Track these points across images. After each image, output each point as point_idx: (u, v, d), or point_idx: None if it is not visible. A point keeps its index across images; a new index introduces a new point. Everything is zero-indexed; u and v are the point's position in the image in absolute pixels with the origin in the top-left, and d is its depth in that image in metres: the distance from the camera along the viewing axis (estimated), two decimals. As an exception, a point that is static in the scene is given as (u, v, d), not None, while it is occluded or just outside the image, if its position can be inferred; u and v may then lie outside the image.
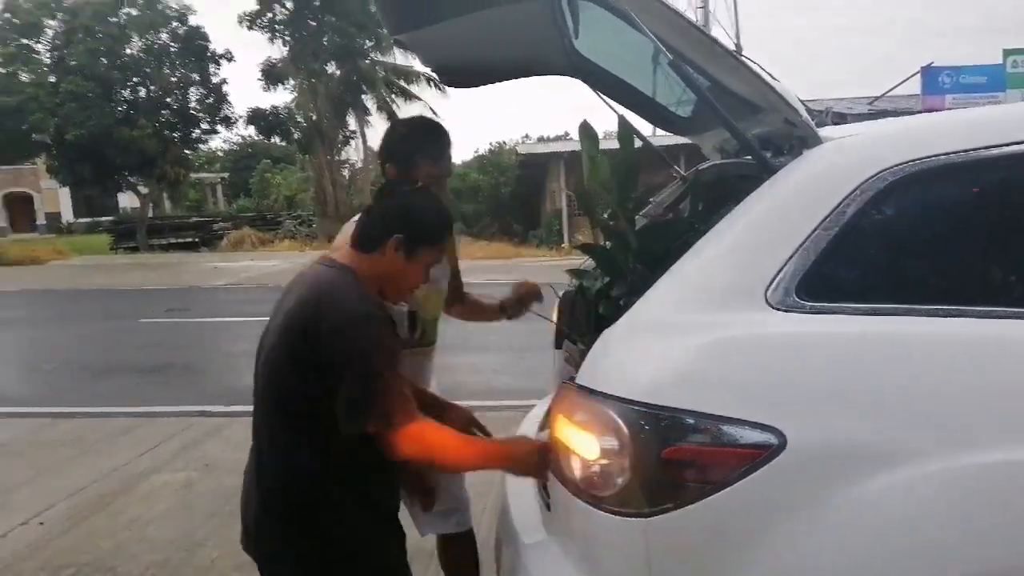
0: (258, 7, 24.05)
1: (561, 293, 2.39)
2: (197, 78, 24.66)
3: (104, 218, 33.30)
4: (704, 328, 1.37)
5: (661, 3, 1.53)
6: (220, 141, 46.14)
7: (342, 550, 1.62)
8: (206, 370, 7.30)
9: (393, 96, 26.75)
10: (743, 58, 1.58)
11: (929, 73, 14.62)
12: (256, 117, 24.94)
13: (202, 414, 5.26)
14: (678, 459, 1.28)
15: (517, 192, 25.86)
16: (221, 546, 3.21)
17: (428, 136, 2.07)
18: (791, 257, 1.37)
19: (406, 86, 26.66)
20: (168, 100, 24.62)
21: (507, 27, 2.30)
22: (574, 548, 1.45)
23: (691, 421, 1.28)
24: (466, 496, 2.36)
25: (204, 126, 25.56)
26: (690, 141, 2.79)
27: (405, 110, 26.11)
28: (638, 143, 2.18)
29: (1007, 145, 1.42)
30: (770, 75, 1.61)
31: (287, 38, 24.48)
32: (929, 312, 1.33)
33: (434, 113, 21.77)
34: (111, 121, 22.64)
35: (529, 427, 2.22)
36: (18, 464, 4.47)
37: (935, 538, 1.23)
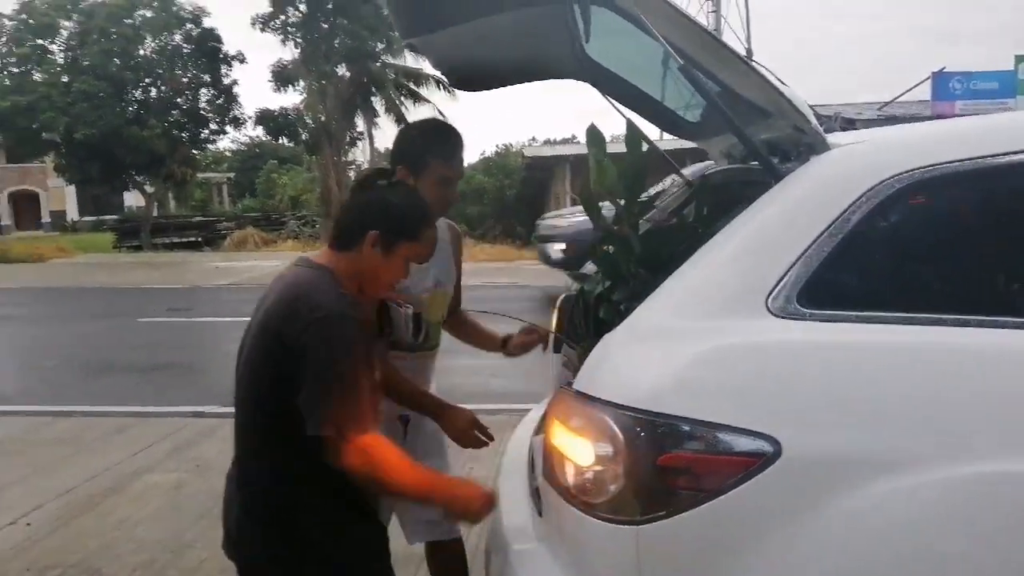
0: (271, 9, 24.21)
1: (561, 297, 2.36)
2: (208, 79, 24.84)
3: (109, 217, 33.43)
4: (703, 335, 1.35)
5: (672, 7, 1.51)
6: (228, 141, 46.40)
7: (321, 553, 1.59)
8: (204, 370, 7.28)
9: (402, 98, 26.88)
10: (753, 63, 1.55)
11: (940, 79, 14.58)
12: (265, 118, 25.10)
13: (196, 415, 5.24)
14: (673, 466, 1.26)
15: (522, 195, 25.83)
16: (209, 548, 3.17)
17: (440, 138, 2.05)
18: (794, 264, 1.36)
19: (415, 88, 26.79)
20: (179, 100, 24.80)
21: (518, 31, 2.29)
22: (565, 555, 1.43)
23: (687, 428, 1.26)
24: None
25: (213, 126, 25.72)
26: (697, 145, 2.77)
27: (414, 112, 26.27)
28: (645, 147, 2.15)
29: (1015, 153, 1.39)
30: (779, 80, 1.59)
31: (299, 40, 24.62)
32: (930, 321, 1.31)
33: (442, 115, 21.89)
34: (121, 121, 22.81)
35: (525, 431, 2.19)
36: (10, 463, 4.44)
37: (931, 548, 1.21)
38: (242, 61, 25.02)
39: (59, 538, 3.42)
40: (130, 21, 24.04)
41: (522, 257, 17.97)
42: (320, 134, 25.20)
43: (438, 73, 3.14)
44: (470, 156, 37.15)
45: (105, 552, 3.26)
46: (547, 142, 36.18)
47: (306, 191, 33.42)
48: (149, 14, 24.33)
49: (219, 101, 25.17)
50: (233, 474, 1.71)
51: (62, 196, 40.14)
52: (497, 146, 43.95)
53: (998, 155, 1.39)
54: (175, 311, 10.99)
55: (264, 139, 36.03)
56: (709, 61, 1.80)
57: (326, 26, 24.31)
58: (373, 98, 26.37)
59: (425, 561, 2.40)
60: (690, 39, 1.70)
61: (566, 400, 1.43)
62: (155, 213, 27.41)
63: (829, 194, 1.40)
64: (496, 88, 2.73)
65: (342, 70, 25.28)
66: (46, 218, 40.97)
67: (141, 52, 24.31)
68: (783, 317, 1.32)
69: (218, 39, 24.65)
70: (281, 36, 24.73)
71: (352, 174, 27.33)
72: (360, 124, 27.26)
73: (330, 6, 23.88)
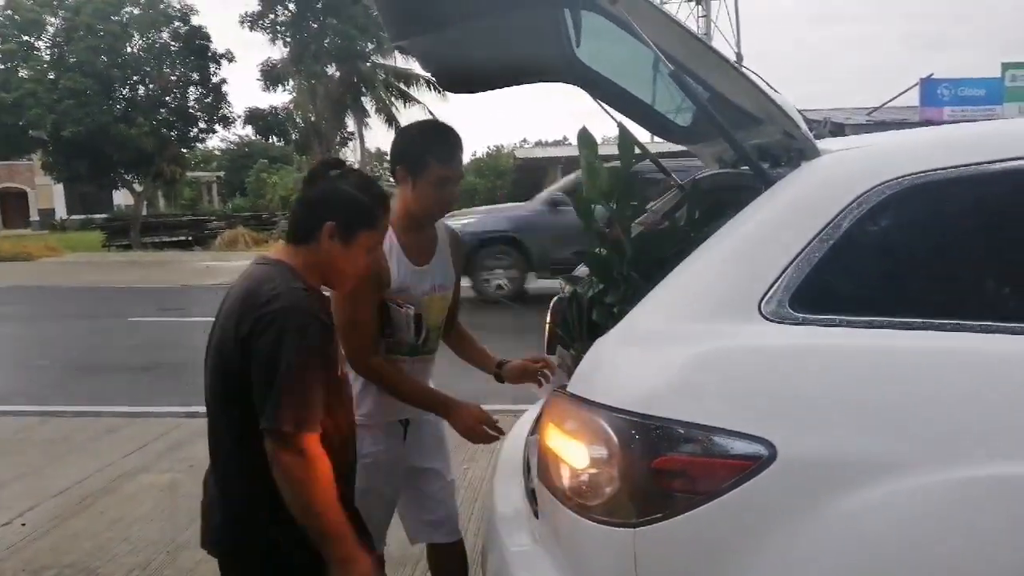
0: (260, 8, 24.09)
1: (554, 299, 2.38)
2: (197, 77, 24.68)
3: (98, 215, 33.19)
4: (697, 338, 1.37)
5: (662, 12, 1.53)
6: (217, 140, 46.16)
7: (301, 545, 1.55)
8: (196, 370, 7.14)
9: (392, 98, 26.82)
10: (743, 69, 1.57)
11: (928, 85, 14.74)
12: (254, 117, 25.00)
13: (189, 415, 5.22)
14: (668, 469, 1.27)
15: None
16: (204, 548, 3.18)
17: (439, 138, 2.05)
18: (786, 269, 1.37)
19: (405, 88, 26.75)
20: (167, 99, 24.64)
21: (508, 34, 2.30)
22: (561, 556, 1.44)
23: (682, 431, 1.27)
24: (456, 506, 2.34)
25: (202, 125, 25.58)
26: (688, 150, 2.79)
27: (404, 112, 26.20)
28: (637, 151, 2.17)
29: (1004, 161, 1.42)
30: (769, 86, 1.61)
31: (288, 39, 24.52)
32: (922, 326, 1.32)
33: (432, 116, 21.82)
34: (109, 118, 22.66)
35: (520, 431, 2.20)
36: (3, 463, 4.42)
37: (926, 551, 1.22)
38: (231, 60, 24.89)
39: (54, 538, 3.41)
40: (117, 18, 23.89)
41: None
42: (310, 134, 25.13)
43: (428, 74, 3.15)
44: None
45: (100, 553, 3.25)
46: (539, 144, 36.23)
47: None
48: (136, 11, 24.18)
49: (208, 99, 25.03)
50: (209, 472, 1.70)
51: (50, 194, 39.81)
52: (488, 147, 43.87)
53: (988, 162, 1.41)
54: (166, 310, 10.94)
55: (254, 138, 35.87)
56: (699, 66, 1.81)
57: (315, 25, 24.23)
58: (363, 98, 26.31)
59: (421, 560, 2.41)
60: (680, 44, 1.72)
61: (561, 403, 1.44)
62: (144, 212, 27.23)
63: (820, 200, 1.42)
64: (486, 90, 2.73)
65: (332, 70, 25.20)
66: (34, 216, 40.63)
67: (128, 49, 24.15)
68: (776, 321, 1.34)
69: (206, 37, 24.52)
70: (270, 35, 24.66)
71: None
72: (350, 124, 27.18)
73: (319, 5, 23.81)
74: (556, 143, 32.14)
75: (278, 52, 25.18)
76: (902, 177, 1.40)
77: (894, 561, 1.22)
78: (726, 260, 1.44)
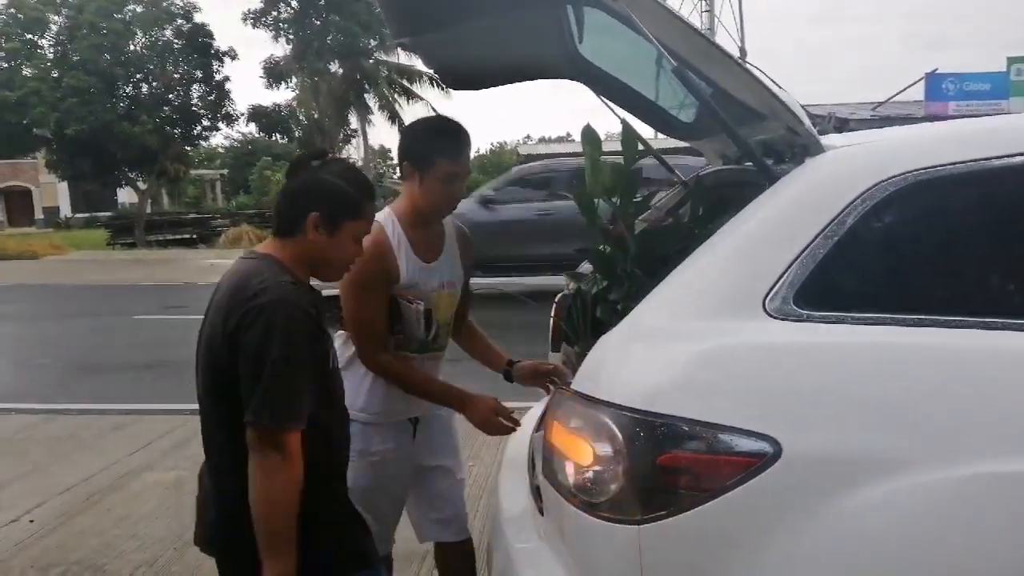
0: (263, 5, 24.10)
1: (559, 296, 2.38)
2: (200, 75, 24.71)
3: (102, 213, 33.29)
4: (701, 335, 1.36)
5: (665, 8, 1.52)
6: (221, 138, 46.15)
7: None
8: (201, 367, 7.27)
9: (396, 95, 26.82)
10: (747, 64, 1.57)
11: (933, 80, 14.63)
12: (258, 114, 25.03)
13: (193, 412, 5.21)
14: (673, 466, 1.27)
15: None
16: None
17: (447, 135, 2.04)
18: (790, 265, 1.36)
19: (409, 85, 26.75)
20: (170, 96, 24.67)
21: (511, 31, 2.29)
22: (566, 553, 1.44)
23: (686, 428, 1.27)
24: (465, 505, 2.34)
25: (205, 123, 25.60)
26: (692, 146, 2.78)
27: (408, 109, 26.20)
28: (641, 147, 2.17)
29: (1011, 156, 1.41)
30: (773, 82, 1.61)
31: (291, 36, 24.52)
32: (928, 323, 1.32)
33: (436, 112, 21.77)
34: (112, 116, 22.69)
35: (525, 428, 2.20)
36: (9, 461, 4.44)
37: (930, 548, 1.22)
38: (234, 57, 24.91)
39: (61, 535, 3.43)
40: (120, 16, 23.90)
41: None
42: (313, 131, 25.15)
43: (431, 71, 3.14)
44: (466, 153, 37.07)
45: (107, 550, 3.27)
46: (542, 140, 36.20)
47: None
48: (139, 9, 24.20)
49: (211, 97, 25.05)
50: (204, 468, 1.70)
51: (54, 192, 39.91)
52: (492, 144, 43.90)
53: (994, 158, 1.40)
54: (170, 308, 10.97)
55: (257, 136, 35.90)
56: (702, 62, 1.81)
57: (318, 22, 24.23)
58: (366, 95, 26.31)
59: (426, 558, 2.42)
60: (683, 39, 1.71)
61: (565, 400, 1.45)
62: (148, 210, 27.29)
63: (825, 196, 1.41)
64: (489, 87, 2.73)
65: (335, 67, 25.21)
66: (39, 214, 40.74)
67: (131, 47, 24.18)
68: (780, 318, 1.33)
69: (209, 35, 24.52)
70: (273, 32, 24.66)
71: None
72: (354, 121, 27.19)
73: (322, 2, 23.80)
74: (559, 140, 32.18)
75: (281, 49, 25.30)
76: (907, 173, 1.39)
77: (896, 558, 1.22)
78: (730, 257, 1.44)
